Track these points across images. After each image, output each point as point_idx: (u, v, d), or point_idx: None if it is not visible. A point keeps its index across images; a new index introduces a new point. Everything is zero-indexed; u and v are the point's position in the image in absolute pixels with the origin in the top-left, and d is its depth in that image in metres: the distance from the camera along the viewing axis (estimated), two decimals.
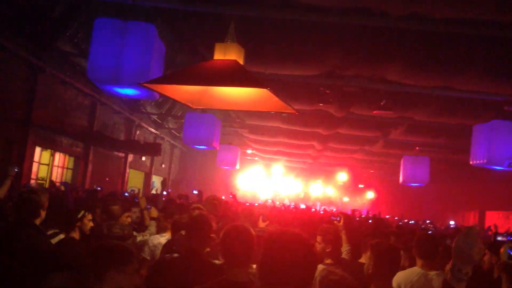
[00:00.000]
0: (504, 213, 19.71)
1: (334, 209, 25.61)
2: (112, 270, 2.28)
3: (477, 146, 8.08)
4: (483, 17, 5.83)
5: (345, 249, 4.56)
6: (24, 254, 3.28)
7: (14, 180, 5.70)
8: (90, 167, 14.03)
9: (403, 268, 3.88)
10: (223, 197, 12.56)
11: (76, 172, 13.65)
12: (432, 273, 3.70)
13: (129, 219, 5.24)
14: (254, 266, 2.98)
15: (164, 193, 12.47)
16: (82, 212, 4.08)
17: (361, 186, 31.14)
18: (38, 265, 3.19)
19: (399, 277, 3.63)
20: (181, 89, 4.28)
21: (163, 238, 4.59)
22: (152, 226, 5.33)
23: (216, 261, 3.26)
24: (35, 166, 11.39)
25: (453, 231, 9.35)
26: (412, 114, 10.67)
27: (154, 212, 5.54)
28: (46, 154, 12.21)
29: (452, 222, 19.64)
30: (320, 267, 3.72)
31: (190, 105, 4.50)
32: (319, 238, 3.97)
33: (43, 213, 3.65)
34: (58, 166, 12.91)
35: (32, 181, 11.05)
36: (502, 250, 3.01)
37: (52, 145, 12.14)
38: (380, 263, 2.97)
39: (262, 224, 5.60)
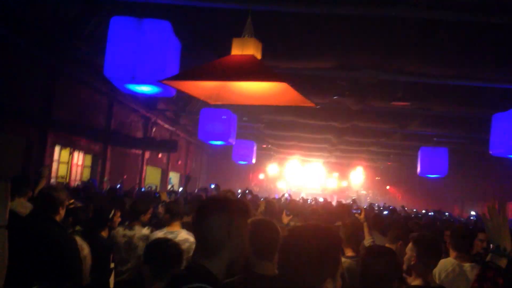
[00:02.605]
0: None
1: (351, 201, 25.48)
2: None
3: (497, 136, 7.97)
4: (500, 3, 5.74)
5: (368, 241, 4.57)
6: (42, 246, 3.34)
7: (46, 181, 5.86)
8: (108, 165, 14.19)
9: None
10: (239, 191, 12.61)
11: (94, 170, 13.82)
12: (467, 265, 3.74)
13: (148, 215, 5.28)
14: None
15: (180, 189, 12.57)
16: (113, 211, 4.17)
17: (378, 178, 30.94)
18: (56, 258, 3.23)
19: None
20: (198, 85, 4.30)
21: (189, 235, 4.60)
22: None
23: None
24: (54, 165, 11.55)
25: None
26: (429, 105, 10.56)
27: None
28: (65, 153, 12.37)
29: (473, 213, 19.44)
30: (346, 261, 3.74)
31: (208, 101, 4.52)
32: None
33: (62, 211, 3.68)
34: (77, 165, 13.08)
35: (52, 180, 11.21)
36: None
37: (71, 144, 12.30)
38: (424, 254, 3.01)
39: (286, 219, 5.63)
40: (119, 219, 4.97)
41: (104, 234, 4.19)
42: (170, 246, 3.06)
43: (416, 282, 2.94)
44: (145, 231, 4.98)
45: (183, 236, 4.56)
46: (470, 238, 4.00)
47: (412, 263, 3.01)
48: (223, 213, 1.92)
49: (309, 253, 1.79)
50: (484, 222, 2.20)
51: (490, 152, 8.11)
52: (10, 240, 2.44)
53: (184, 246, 4.16)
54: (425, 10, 5.92)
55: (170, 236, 4.24)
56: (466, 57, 7.76)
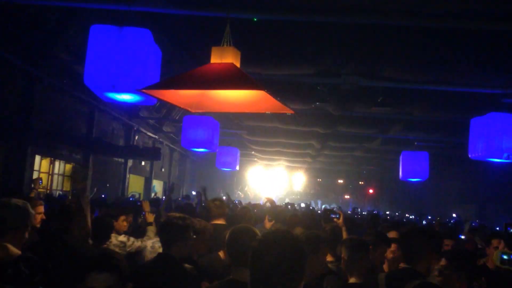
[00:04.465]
0: (504, 206, 19.75)
1: (335, 207, 25.64)
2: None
3: (475, 139, 8.10)
4: (477, 11, 5.86)
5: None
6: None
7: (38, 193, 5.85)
8: (90, 174, 14.05)
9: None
10: (224, 197, 12.61)
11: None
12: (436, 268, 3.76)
13: (125, 223, 5.25)
14: None
15: (163, 197, 12.51)
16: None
17: (361, 183, 31.19)
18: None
19: None
20: (179, 94, 4.31)
21: None
22: (150, 231, 5.35)
23: (187, 265, 3.30)
24: (35, 175, 11.40)
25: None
26: (410, 110, 10.71)
27: (150, 217, 5.58)
28: (46, 162, 12.23)
29: (454, 215, 19.72)
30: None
31: (189, 109, 4.52)
32: None
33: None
34: (58, 174, 12.93)
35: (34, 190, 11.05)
36: (494, 254, 3.09)
37: (51, 153, 12.16)
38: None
39: (268, 224, 5.65)
40: (125, 223, 5.04)
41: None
42: None
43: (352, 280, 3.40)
44: (122, 238, 4.97)
45: None
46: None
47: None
48: None
49: (280, 260, 1.80)
50: None
51: (469, 156, 8.24)
52: None
53: None
54: (397, 18, 6.02)
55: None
56: (444, 63, 7.90)
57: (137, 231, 5.74)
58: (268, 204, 7.83)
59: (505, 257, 3.51)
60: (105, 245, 4.69)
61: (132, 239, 5.10)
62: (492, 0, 5.53)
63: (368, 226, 7.78)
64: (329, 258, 3.97)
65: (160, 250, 4.21)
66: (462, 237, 7.69)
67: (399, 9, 5.95)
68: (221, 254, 3.97)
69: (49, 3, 7.24)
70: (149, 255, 4.78)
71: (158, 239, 4.69)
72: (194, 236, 3.66)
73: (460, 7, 5.80)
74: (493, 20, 5.92)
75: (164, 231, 3.39)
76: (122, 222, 5.14)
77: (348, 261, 3.49)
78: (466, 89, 8.84)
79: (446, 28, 6.59)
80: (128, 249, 5.00)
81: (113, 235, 4.92)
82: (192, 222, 3.53)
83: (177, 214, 3.51)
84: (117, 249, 4.82)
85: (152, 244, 4.88)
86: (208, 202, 5.63)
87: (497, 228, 13.90)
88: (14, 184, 9.84)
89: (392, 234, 4.89)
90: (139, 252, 5.00)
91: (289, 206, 14.18)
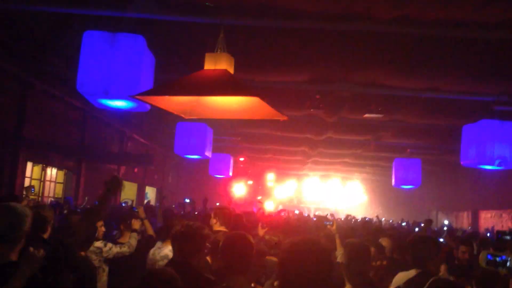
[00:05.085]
0: (496, 212, 19.85)
1: (328, 214, 25.62)
2: None
3: (467, 146, 8.15)
4: (468, 19, 5.92)
5: (339, 253, 4.60)
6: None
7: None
8: (82, 181, 13.96)
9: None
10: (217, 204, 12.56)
11: (68, 186, 13.58)
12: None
13: (103, 228, 5.23)
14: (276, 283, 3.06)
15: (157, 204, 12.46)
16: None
17: (354, 189, 31.17)
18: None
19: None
20: (172, 100, 4.30)
21: (167, 249, 4.57)
22: (133, 239, 5.34)
23: (207, 275, 3.24)
24: (27, 182, 11.32)
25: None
26: (402, 116, 10.76)
27: (136, 224, 5.56)
28: (38, 169, 12.15)
29: (446, 222, 19.77)
30: None
31: (183, 116, 4.51)
32: None
33: (49, 229, 3.89)
34: (50, 181, 12.84)
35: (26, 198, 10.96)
36: (480, 256, 3.12)
37: (43, 160, 12.08)
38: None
39: (261, 232, 5.63)
40: (103, 228, 5.07)
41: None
42: None
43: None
44: (98, 243, 4.97)
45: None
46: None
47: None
48: None
49: (313, 269, 1.78)
50: None
51: (461, 163, 8.29)
52: None
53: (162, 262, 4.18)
54: (390, 25, 6.06)
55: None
56: (436, 70, 7.95)
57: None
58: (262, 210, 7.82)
59: (490, 258, 3.56)
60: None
61: (109, 244, 5.10)
62: (484, 8, 5.58)
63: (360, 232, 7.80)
64: None
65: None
66: (441, 240, 7.77)
67: (392, 17, 5.99)
68: (208, 258, 3.97)
69: (42, 9, 7.21)
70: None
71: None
72: (208, 245, 3.64)
73: (452, 15, 5.85)
74: (485, 28, 5.98)
75: (183, 240, 3.31)
76: (100, 228, 5.13)
77: (346, 266, 3.46)
78: (457, 96, 8.90)
79: (439, 35, 6.64)
80: (104, 255, 4.99)
81: None
82: (208, 231, 3.50)
83: (196, 223, 3.45)
84: (93, 255, 4.84)
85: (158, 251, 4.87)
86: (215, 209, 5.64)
87: (488, 235, 13.98)
88: (5, 191, 9.75)
89: (384, 242, 4.91)
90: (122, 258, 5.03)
91: (282, 213, 14.15)
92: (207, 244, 3.42)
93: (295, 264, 1.82)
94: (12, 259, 2.72)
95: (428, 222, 6.67)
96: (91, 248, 4.83)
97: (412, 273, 3.76)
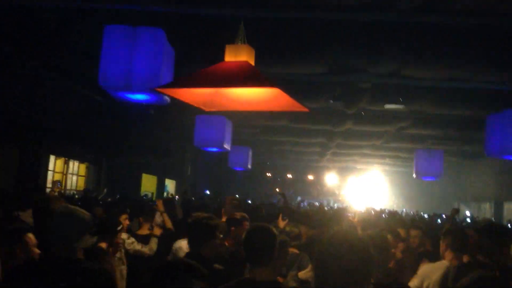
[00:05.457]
0: None
1: (348, 205, 25.53)
2: None
3: (491, 137, 8.02)
4: (493, 7, 5.79)
5: None
6: None
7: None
8: (103, 173, 14.15)
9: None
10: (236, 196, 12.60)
11: (90, 178, 13.78)
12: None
13: (127, 222, 5.29)
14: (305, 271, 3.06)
15: (176, 197, 12.55)
16: (121, 226, 4.23)
17: (374, 181, 30.95)
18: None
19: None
20: (193, 93, 4.30)
21: (184, 242, 4.61)
22: (154, 243, 5.38)
23: (216, 265, 3.29)
24: (49, 175, 11.52)
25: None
26: (423, 107, 10.60)
27: (168, 223, 5.58)
28: (60, 162, 12.35)
29: (468, 213, 19.50)
30: None
31: (203, 108, 4.52)
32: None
33: None
34: (72, 174, 13.05)
35: (48, 190, 11.16)
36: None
37: (65, 153, 12.27)
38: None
39: (282, 223, 5.63)
40: (127, 221, 5.10)
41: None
42: None
43: None
44: (123, 235, 5.03)
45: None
46: (465, 238, 3.99)
47: None
48: None
49: (352, 262, 1.77)
50: None
51: (485, 153, 8.15)
52: None
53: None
54: (411, 15, 5.97)
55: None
56: (459, 59, 7.80)
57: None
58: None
59: None
60: None
61: (132, 239, 5.15)
62: None
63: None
64: None
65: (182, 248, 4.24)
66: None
67: (413, 6, 5.89)
68: (226, 243, 4.01)
69: (61, 5, 7.28)
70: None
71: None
72: (221, 236, 3.67)
73: (476, 4, 5.73)
74: (509, 17, 5.84)
75: (192, 231, 3.39)
76: (124, 221, 5.19)
77: None
78: (481, 85, 8.73)
79: (462, 24, 6.51)
80: (127, 247, 5.05)
81: None
82: (218, 221, 3.54)
83: (204, 214, 3.51)
84: None
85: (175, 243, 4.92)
86: (227, 199, 5.67)
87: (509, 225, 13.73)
88: (30, 185, 9.94)
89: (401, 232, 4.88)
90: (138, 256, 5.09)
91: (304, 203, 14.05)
92: (218, 233, 3.46)
93: (333, 256, 1.80)
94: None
95: (455, 211, 6.54)
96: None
97: (444, 263, 3.73)
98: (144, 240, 5.42)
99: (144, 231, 5.64)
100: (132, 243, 5.18)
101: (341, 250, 1.80)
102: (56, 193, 6.19)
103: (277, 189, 22.64)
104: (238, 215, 4.56)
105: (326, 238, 1.92)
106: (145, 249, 5.28)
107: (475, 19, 6.05)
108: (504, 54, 7.32)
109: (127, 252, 5.11)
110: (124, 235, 5.07)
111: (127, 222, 5.28)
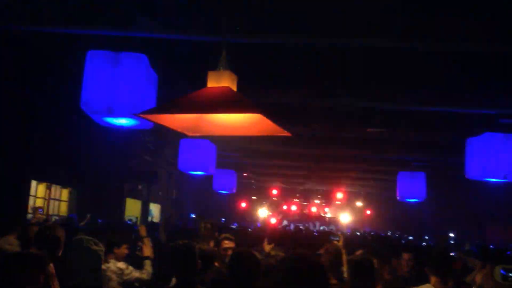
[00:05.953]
0: (503, 226, 19.71)
1: (334, 228, 25.51)
2: None
3: (472, 160, 8.12)
4: (472, 32, 5.95)
5: (346, 268, 4.56)
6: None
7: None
8: (86, 198, 13.97)
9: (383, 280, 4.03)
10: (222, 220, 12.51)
11: (73, 204, 13.59)
12: None
13: (126, 251, 5.24)
14: None
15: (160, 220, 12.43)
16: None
17: (359, 204, 31.07)
18: None
19: None
20: (175, 118, 4.31)
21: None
22: (148, 266, 5.31)
23: None
24: (31, 200, 11.34)
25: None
26: (405, 131, 10.75)
27: (148, 250, 5.51)
28: (42, 188, 12.17)
29: (451, 235, 19.61)
30: None
31: (186, 133, 4.52)
32: None
33: (61, 249, 3.92)
34: (54, 199, 12.86)
35: (29, 215, 10.98)
36: (495, 271, 3.00)
37: (47, 178, 12.11)
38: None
39: (267, 247, 5.62)
40: (126, 251, 5.14)
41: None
42: None
43: None
44: (121, 265, 4.95)
45: None
46: (450, 262, 3.99)
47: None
48: None
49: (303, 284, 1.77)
50: None
51: (466, 176, 8.24)
52: None
53: None
54: (392, 40, 6.10)
55: None
56: (439, 84, 7.97)
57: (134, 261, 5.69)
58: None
59: (504, 273, 3.45)
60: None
61: (130, 268, 5.07)
62: (487, 22, 5.61)
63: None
64: (332, 281, 3.93)
65: None
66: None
67: (394, 32, 6.03)
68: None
69: (48, 30, 7.30)
70: None
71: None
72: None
73: (456, 28, 5.89)
74: (488, 42, 6.00)
75: (173, 259, 3.39)
76: (124, 250, 5.13)
77: (351, 282, 3.45)
78: (461, 109, 8.90)
79: (440, 49, 6.67)
80: (125, 278, 4.97)
81: (112, 261, 4.90)
82: (198, 248, 3.52)
83: (183, 241, 3.51)
84: (114, 276, 4.81)
85: None
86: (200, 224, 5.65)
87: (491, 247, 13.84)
88: (11, 211, 9.76)
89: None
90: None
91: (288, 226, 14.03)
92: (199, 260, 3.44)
93: (291, 282, 1.80)
94: None
95: (444, 237, 6.61)
96: (113, 268, 4.82)
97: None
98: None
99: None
100: (131, 272, 5.10)
101: (297, 276, 1.81)
102: (34, 220, 6.10)
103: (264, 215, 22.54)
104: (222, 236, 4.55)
105: (282, 264, 1.94)
106: (144, 275, 5.19)
107: (455, 45, 6.20)
108: (485, 78, 7.50)
109: (124, 282, 5.02)
110: (121, 264, 4.99)
111: (126, 251, 5.22)
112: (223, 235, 5.14)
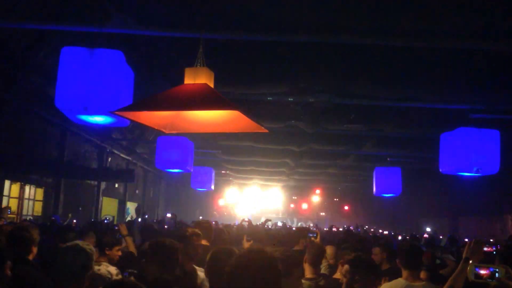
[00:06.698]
0: (476, 218, 20.17)
1: (311, 225, 25.71)
2: None
3: (445, 154, 8.28)
4: (444, 29, 6.06)
5: (323, 264, 4.61)
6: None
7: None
8: (61, 198, 13.75)
9: None
10: (200, 218, 12.50)
11: (47, 203, 13.35)
12: (418, 284, 3.75)
13: (119, 253, 5.09)
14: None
15: (139, 220, 12.32)
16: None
17: (336, 199, 31.36)
18: None
19: None
20: (152, 115, 4.28)
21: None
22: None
23: None
24: (4, 200, 11.09)
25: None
26: (381, 126, 10.89)
27: (131, 248, 5.45)
28: (16, 187, 11.92)
29: (428, 229, 19.98)
30: (305, 282, 3.77)
31: (163, 131, 4.49)
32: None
33: (35, 249, 3.77)
34: (28, 199, 12.61)
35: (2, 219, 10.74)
36: (468, 268, 3.04)
37: (21, 178, 11.87)
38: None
39: (246, 244, 5.63)
40: (119, 253, 5.00)
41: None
42: None
43: None
44: (112, 269, 4.79)
45: None
46: (419, 254, 4.01)
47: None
48: None
49: (256, 279, 1.79)
50: None
51: (440, 170, 8.41)
52: None
53: None
54: (366, 37, 6.17)
55: None
56: (413, 80, 8.09)
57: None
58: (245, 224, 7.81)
59: (478, 270, 3.48)
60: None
61: (120, 275, 4.96)
62: (458, 18, 5.72)
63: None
64: (309, 275, 3.96)
65: None
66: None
67: (369, 29, 6.10)
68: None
69: (19, 26, 7.15)
70: None
71: None
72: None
73: (428, 26, 5.98)
74: (459, 39, 6.12)
75: (157, 255, 3.38)
76: (117, 252, 5.01)
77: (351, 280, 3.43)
78: (434, 105, 9.07)
79: (415, 46, 6.77)
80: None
81: (104, 263, 4.71)
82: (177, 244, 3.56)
83: (167, 240, 3.54)
84: (100, 281, 4.68)
85: None
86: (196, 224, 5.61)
87: (465, 240, 14.15)
88: None
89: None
90: None
91: (267, 224, 14.06)
92: (175, 257, 3.46)
93: (243, 276, 1.83)
94: None
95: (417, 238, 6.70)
96: (103, 271, 4.69)
97: (400, 282, 3.77)
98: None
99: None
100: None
101: (250, 269, 1.83)
102: (2, 221, 5.90)
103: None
104: (189, 230, 4.49)
105: (236, 256, 1.97)
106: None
107: (428, 42, 6.30)
108: (456, 74, 7.65)
109: None
110: (112, 269, 4.84)
111: (119, 253, 5.09)
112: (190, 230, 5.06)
